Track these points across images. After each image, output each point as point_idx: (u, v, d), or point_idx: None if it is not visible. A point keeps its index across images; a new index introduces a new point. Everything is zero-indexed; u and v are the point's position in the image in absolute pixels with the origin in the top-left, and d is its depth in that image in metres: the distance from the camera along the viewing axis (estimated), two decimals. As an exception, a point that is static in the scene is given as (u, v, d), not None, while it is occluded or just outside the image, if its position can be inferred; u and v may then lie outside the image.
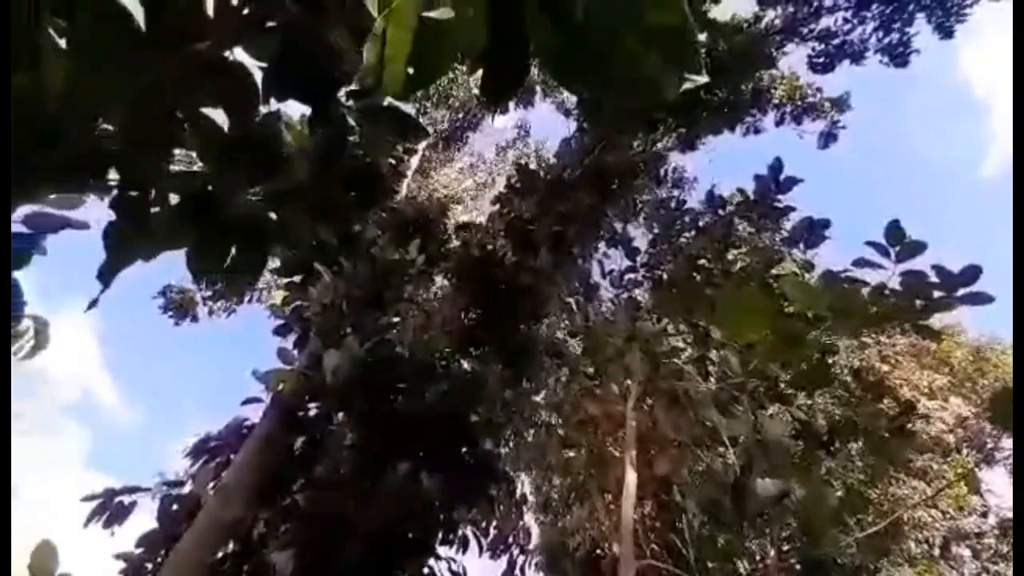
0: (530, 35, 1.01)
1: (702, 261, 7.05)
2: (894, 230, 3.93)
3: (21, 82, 1.39)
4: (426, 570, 4.89)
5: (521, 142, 13.91)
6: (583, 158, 9.43)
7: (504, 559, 7.40)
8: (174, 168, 1.93)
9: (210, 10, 1.44)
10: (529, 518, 10.20)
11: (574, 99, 11.09)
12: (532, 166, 10.52)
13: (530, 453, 9.81)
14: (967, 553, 11.70)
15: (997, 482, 13.17)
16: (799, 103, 11.75)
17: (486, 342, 7.43)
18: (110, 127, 1.66)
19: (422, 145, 10.65)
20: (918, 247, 3.90)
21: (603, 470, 9.21)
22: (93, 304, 1.85)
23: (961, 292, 3.70)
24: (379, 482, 4.64)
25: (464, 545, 5.32)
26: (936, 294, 3.79)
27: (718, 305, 4.75)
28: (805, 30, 10.55)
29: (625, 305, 8.22)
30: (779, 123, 11.93)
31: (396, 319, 6.13)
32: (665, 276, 7.93)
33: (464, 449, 5.32)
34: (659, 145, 10.75)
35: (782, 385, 5.61)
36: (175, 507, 5.11)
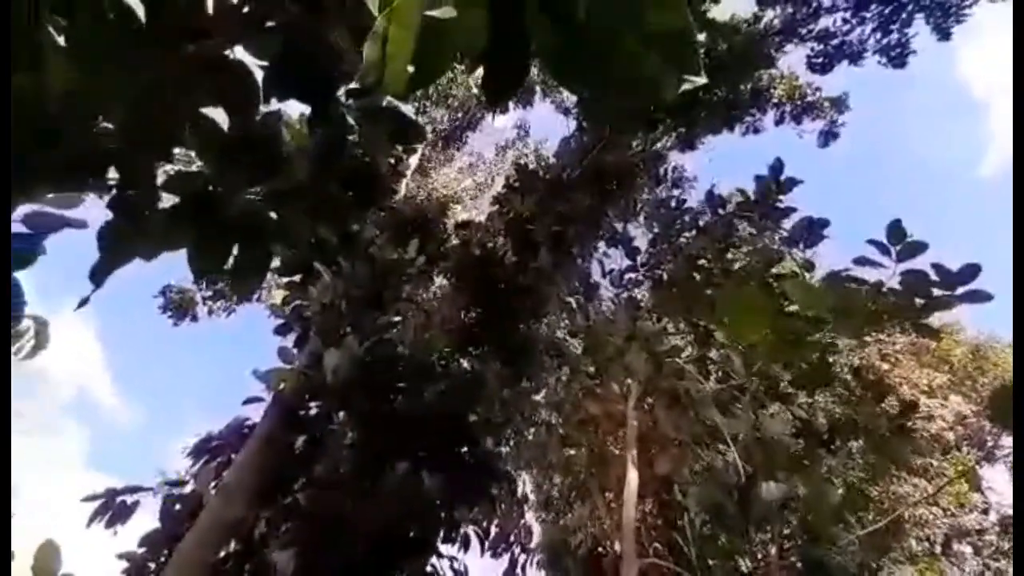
0: (531, 35, 1.02)
1: (702, 261, 7.05)
2: (895, 229, 3.94)
3: (21, 82, 1.39)
4: (428, 569, 4.90)
5: (520, 142, 13.91)
6: (582, 158, 9.44)
7: (505, 558, 7.41)
8: (174, 168, 1.94)
9: (210, 9, 1.44)
10: (530, 517, 10.22)
11: (573, 99, 11.10)
12: (531, 166, 10.52)
13: (531, 452, 9.82)
14: (968, 550, 11.72)
15: (997, 479, 13.20)
16: (798, 103, 11.76)
17: (486, 341, 7.44)
18: (110, 126, 1.67)
19: (421, 144, 10.65)
20: (919, 246, 3.91)
21: (604, 469, 9.22)
22: (83, 303, 1.85)
23: (960, 291, 3.71)
24: (380, 481, 4.64)
25: (466, 544, 5.32)
26: (936, 292, 3.80)
27: (719, 305, 4.76)
28: (804, 30, 10.56)
29: (625, 304, 8.22)
30: (779, 123, 11.93)
31: (396, 318, 6.13)
32: (665, 276, 7.93)
33: (464, 448, 5.32)
34: (658, 145, 10.76)
35: (783, 384, 5.62)
36: (177, 507, 5.11)
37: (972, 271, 3.70)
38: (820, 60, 10.77)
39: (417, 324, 6.38)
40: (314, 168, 2.11)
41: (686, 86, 0.91)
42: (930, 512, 11.04)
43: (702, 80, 0.90)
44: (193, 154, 1.96)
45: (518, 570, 7.49)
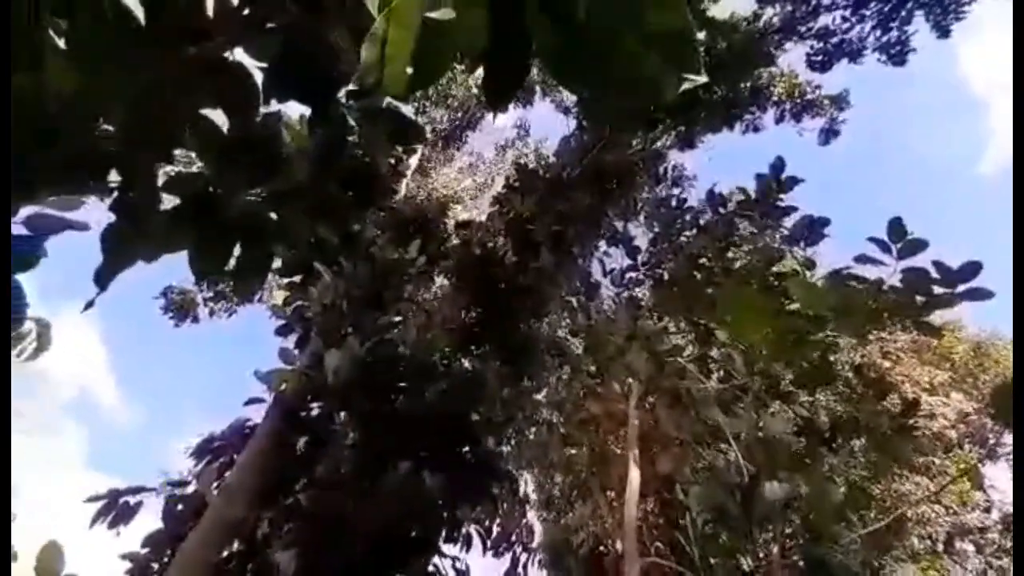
0: (531, 35, 1.01)
1: (703, 260, 7.05)
2: (896, 227, 3.94)
3: (22, 82, 1.39)
4: (430, 568, 4.90)
5: (520, 141, 13.91)
6: (582, 157, 9.44)
7: (507, 557, 7.42)
8: (174, 169, 1.94)
9: (210, 11, 1.44)
10: (532, 516, 10.23)
11: (573, 98, 11.09)
12: (531, 165, 10.52)
13: (532, 451, 9.83)
14: (971, 548, 11.72)
15: (1000, 477, 13.20)
16: (798, 101, 11.75)
17: (487, 341, 7.44)
18: (110, 128, 1.67)
19: (421, 145, 10.65)
20: (919, 244, 3.91)
21: (605, 468, 9.22)
22: (89, 305, 1.85)
23: (961, 288, 3.71)
24: (381, 481, 4.64)
25: (468, 543, 5.33)
26: (937, 290, 3.80)
27: (721, 304, 4.76)
28: (803, 28, 10.54)
29: (626, 304, 8.22)
30: (779, 121, 11.92)
31: (397, 319, 6.13)
32: (666, 275, 7.93)
33: (466, 448, 5.33)
34: (658, 144, 10.76)
35: (784, 383, 5.61)
36: (180, 507, 5.12)
37: (973, 268, 3.70)
38: (820, 58, 10.75)
39: (418, 324, 6.38)
40: (314, 169, 2.11)
41: (687, 85, 0.91)
42: (932, 510, 11.04)
43: (703, 79, 0.90)
44: (193, 155, 1.96)
45: (520, 569, 7.50)
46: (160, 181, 1.80)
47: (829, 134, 11.94)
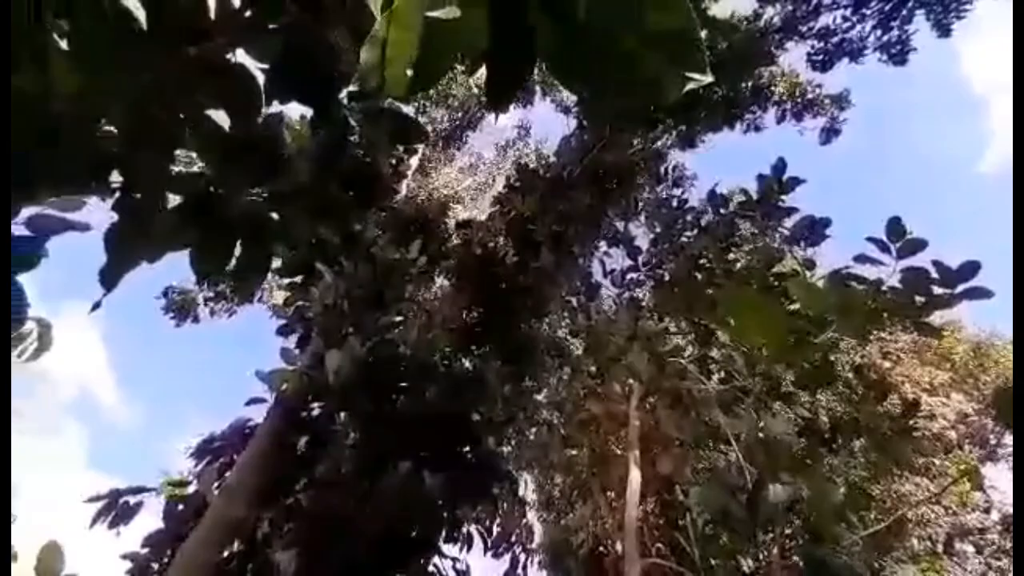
0: (533, 34, 1.01)
1: (704, 260, 7.05)
2: (895, 226, 3.93)
3: (24, 83, 1.40)
4: (431, 568, 4.91)
5: (521, 141, 13.91)
6: (583, 156, 9.44)
7: (507, 558, 7.41)
8: (175, 169, 1.94)
9: (212, 12, 1.44)
10: (531, 516, 10.23)
11: (574, 98, 11.09)
12: (532, 165, 10.52)
13: (532, 452, 9.83)
14: (970, 549, 11.71)
15: (1000, 478, 13.20)
16: (799, 100, 11.74)
17: (487, 341, 7.45)
18: (113, 129, 1.67)
19: (422, 145, 10.65)
20: (918, 243, 3.90)
21: (605, 468, 9.23)
22: (96, 307, 1.86)
23: (961, 288, 3.71)
24: (382, 481, 4.65)
25: (468, 543, 5.33)
26: (936, 290, 3.79)
27: (722, 306, 4.75)
28: (804, 28, 10.53)
29: (627, 304, 8.22)
30: (780, 120, 11.92)
31: (398, 319, 6.14)
32: (667, 275, 7.93)
33: (466, 448, 5.33)
34: (659, 143, 10.76)
35: (785, 383, 5.61)
36: (180, 507, 5.13)
37: (972, 268, 3.69)
38: (820, 57, 10.75)
39: (419, 324, 6.39)
40: (315, 169, 2.11)
41: (691, 85, 0.91)
42: (932, 511, 11.03)
43: (708, 79, 0.89)
44: (193, 155, 1.96)
45: (519, 570, 7.49)
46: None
47: (830, 133, 11.94)
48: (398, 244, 6.68)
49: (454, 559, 5.19)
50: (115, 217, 1.74)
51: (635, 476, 6.98)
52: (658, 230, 8.93)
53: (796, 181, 6.30)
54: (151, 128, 1.65)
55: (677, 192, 10.15)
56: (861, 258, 4.08)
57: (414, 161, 10.56)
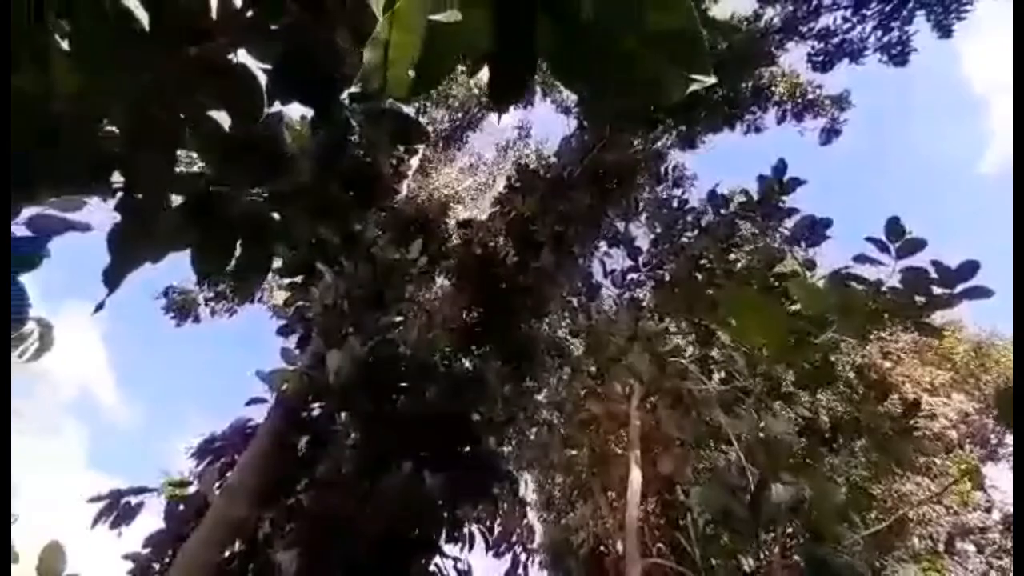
0: (536, 35, 1.02)
1: (704, 261, 7.05)
2: (893, 226, 3.93)
3: (25, 84, 1.40)
4: (432, 568, 4.91)
5: (521, 142, 13.91)
6: (583, 156, 9.44)
7: (507, 557, 7.41)
8: (177, 169, 1.94)
9: (214, 13, 1.45)
10: (532, 516, 10.23)
11: (574, 98, 11.10)
12: (532, 166, 10.53)
13: (533, 452, 9.83)
14: (971, 549, 11.71)
15: (1001, 478, 13.19)
16: (799, 100, 11.74)
17: (487, 341, 7.45)
18: (114, 128, 1.67)
19: (423, 145, 10.65)
20: (918, 243, 3.91)
21: (606, 468, 9.23)
22: (99, 308, 1.86)
23: (960, 287, 3.71)
24: (383, 481, 4.65)
25: (471, 542, 5.33)
26: (936, 290, 3.80)
27: (724, 306, 4.75)
28: (804, 28, 10.53)
29: (627, 304, 8.22)
30: (780, 121, 11.92)
31: (398, 319, 6.14)
32: (667, 276, 7.93)
33: (467, 448, 5.33)
34: (659, 144, 10.76)
35: (785, 383, 5.61)
36: (181, 507, 5.13)
37: (971, 267, 3.69)
38: (821, 58, 10.74)
39: (419, 324, 6.39)
40: (316, 169, 2.12)
41: (694, 86, 0.91)
42: (933, 510, 11.03)
43: (711, 80, 0.89)
44: (194, 155, 1.97)
45: (520, 570, 7.49)
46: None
47: (830, 134, 11.93)
48: (398, 244, 6.68)
49: (455, 559, 5.19)
50: (115, 217, 1.75)
51: (636, 476, 6.98)
52: (659, 230, 8.93)
53: (797, 182, 6.30)
54: (152, 128, 1.65)
55: (677, 192, 10.16)
56: (861, 258, 4.08)
57: (414, 161, 10.57)
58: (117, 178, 1.63)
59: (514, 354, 7.36)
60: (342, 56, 1.59)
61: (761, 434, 4.40)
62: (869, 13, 10.11)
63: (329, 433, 5.21)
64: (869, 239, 3.97)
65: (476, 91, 12.32)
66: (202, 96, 1.67)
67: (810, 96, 11.74)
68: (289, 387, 5.11)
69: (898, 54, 10.14)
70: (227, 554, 4.61)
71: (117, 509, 5.08)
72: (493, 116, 13.02)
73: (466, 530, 5.30)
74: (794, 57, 11.44)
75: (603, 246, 9.95)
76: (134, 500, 5.19)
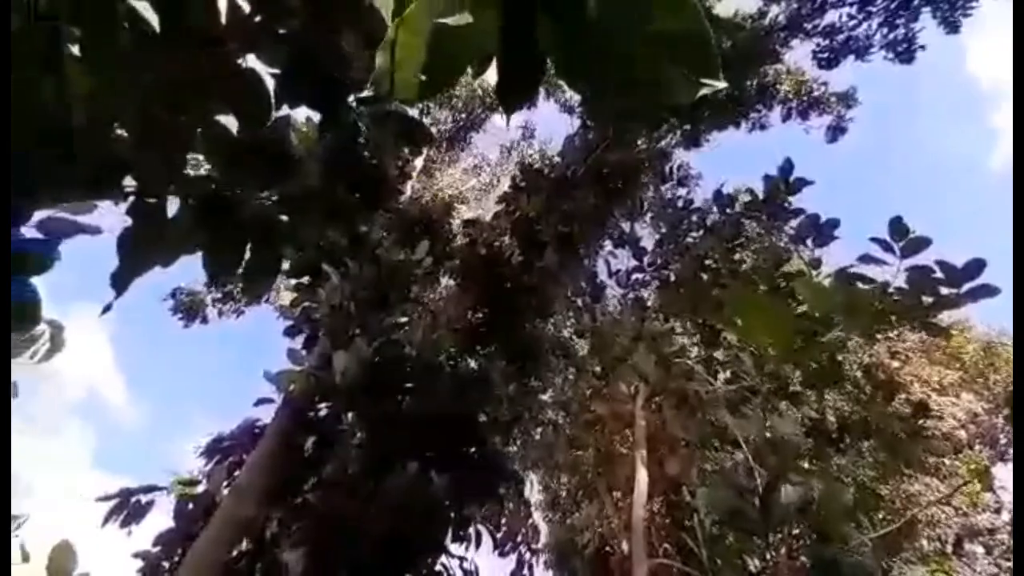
0: (542, 38, 1.02)
1: (709, 261, 7.02)
2: (897, 226, 3.90)
3: (31, 85, 1.41)
4: (438, 568, 4.92)
5: (525, 142, 13.90)
6: (587, 156, 9.43)
7: (513, 557, 7.41)
8: (186, 173, 1.96)
9: (223, 18, 1.46)
10: (537, 516, 10.23)
11: (578, 98, 11.08)
12: (536, 166, 10.52)
13: (538, 452, 9.83)
14: (980, 550, 11.61)
15: (1010, 479, 13.05)
16: (805, 98, 11.67)
17: (492, 341, 7.45)
18: (124, 133, 1.69)
19: (427, 146, 10.67)
20: (922, 242, 3.87)
21: (611, 469, 9.22)
22: (107, 309, 1.88)
23: (967, 287, 3.68)
24: (389, 481, 4.67)
25: (477, 541, 5.34)
26: (943, 290, 3.77)
27: (730, 306, 4.74)
28: (809, 25, 10.47)
29: (632, 305, 8.20)
30: (785, 119, 11.86)
31: (403, 319, 6.16)
32: (672, 276, 7.91)
33: (472, 448, 5.35)
34: (663, 142, 10.73)
35: (792, 383, 5.59)
36: (190, 506, 5.17)
37: (977, 266, 3.66)
38: (826, 55, 10.67)
39: (424, 325, 6.41)
40: (324, 172, 2.13)
41: (704, 90, 0.91)
42: (942, 511, 10.94)
43: (721, 84, 0.89)
44: (201, 158, 1.99)
45: (525, 570, 7.49)
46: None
47: (836, 131, 11.87)
48: (403, 245, 6.71)
49: (461, 558, 5.21)
50: (124, 219, 1.77)
51: (642, 476, 6.97)
52: (663, 230, 8.91)
53: (803, 182, 6.26)
54: (163, 132, 1.67)
55: (682, 192, 10.13)
56: (865, 258, 4.05)
57: (419, 162, 10.59)
58: (129, 182, 1.64)
59: (519, 354, 7.37)
60: (349, 60, 1.60)
61: (768, 435, 4.38)
62: (875, 10, 10.04)
63: (336, 433, 5.24)
64: (873, 239, 3.94)
65: (480, 92, 12.33)
66: (211, 100, 1.69)
67: (815, 94, 11.68)
68: (296, 388, 5.14)
69: (904, 51, 10.07)
70: (235, 553, 4.65)
71: (127, 508, 5.13)
72: (497, 117, 13.03)
73: (472, 530, 5.32)
74: (799, 54, 11.38)
75: (608, 246, 9.94)
76: (144, 499, 5.23)
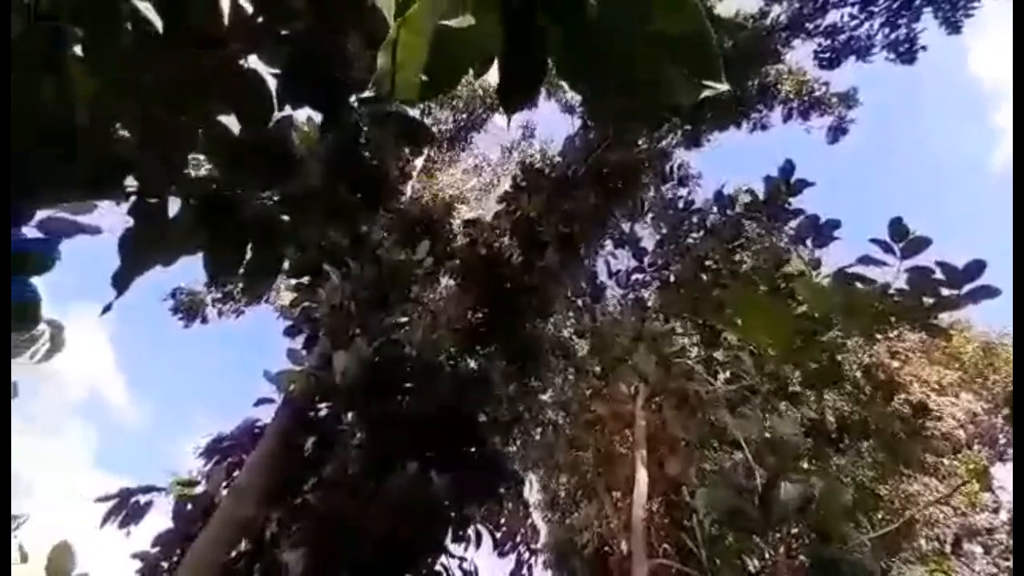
0: (545, 38, 1.02)
1: (710, 261, 7.03)
2: (897, 226, 3.90)
3: (30, 86, 1.41)
4: (438, 568, 4.93)
5: (525, 143, 13.89)
6: (587, 156, 9.43)
7: (512, 557, 7.42)
8: (187, 173, 1.96)
9: (226, 19, 1.46)
10: (536, 516, 10.24)
11: (578, 98, 11.07)
12: (537, 165, 10.52)
13: (537, 452, 9.84)
14: (979, 550, 11.62)
15: (1009, 479, 13.06)
16: (806, 98, 11.67)
17: (492, 341, 7.45)
18: (127, 133, 1.69)
19: (428, 146, 10.67)
20: (922, 243, 3.87)
21: (611, 469, 9.22)
22: (107, 309, 1.88)
23: (967, 288, 3.68)
24: (389, 481, 4.67)
25: (477, 541, 5.34)
26: (943, 291, 3.76)
27: (730, 307, 4.74)
28: (811, 26, 10.46)
29: (632, 305, 8.21)
30: (786, 119, 11.85)
31: (403, 319, 6.16)
32: (672, 276, 7.91)
33: (472, 448, 5.35)
34: (664, 142, 10.73)
35: (792, 384, 5.59)
36: (189, 507, 5.17)
37: (978, 267, 3.66)
38: (828, 55, 10.67)
39: (424, 325, 6.41)
40: (325, 172, 2.13)
41: (707, 92, 0.90)
42: (940, 511, 10.95)
43: (724, 87, 0.89)
44: (202, 158, 1.99)
45: (524, 570, 7.50)
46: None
47: (837, 132, 11.86)
48: (403, 245, 6.70)
49: (460, 558, 5.21)
50: (125, 219, 1.77)
51: (642, 476, 6.97)
52: (664, 231, 8.91)
53: (804, 183, 6.25)
54: (164, 132, 1.67)
55: (683, 192, 10.13)
56: (865, 259, 4.04)
57: (419, 162, 10.59)
58: (130, 182, 1.64)
59: (519, 354, 7.37)
60: (351, 61, 1.60)
61: (767, 435, 4.39)
62: (876, 10, 10.03)
63: (336, 433, 5.24)
64: (873, 240, 3.94)
65: (480, 92, 12.32)
66: (212, 100, 1.68)
67: (817, 94, 11.67)
68: (296, 388, 5.14)
69: (906, 51, 10.07)
70: (234, 553, 4.64)
71: (126, 508, 5.13)
72: (497, 117, 13.02)
73: (471, 530, 5.32)
74: (800, 54, 11.37)
75: (608, 246, 9.94)
76: (143, 499, 5.23)
